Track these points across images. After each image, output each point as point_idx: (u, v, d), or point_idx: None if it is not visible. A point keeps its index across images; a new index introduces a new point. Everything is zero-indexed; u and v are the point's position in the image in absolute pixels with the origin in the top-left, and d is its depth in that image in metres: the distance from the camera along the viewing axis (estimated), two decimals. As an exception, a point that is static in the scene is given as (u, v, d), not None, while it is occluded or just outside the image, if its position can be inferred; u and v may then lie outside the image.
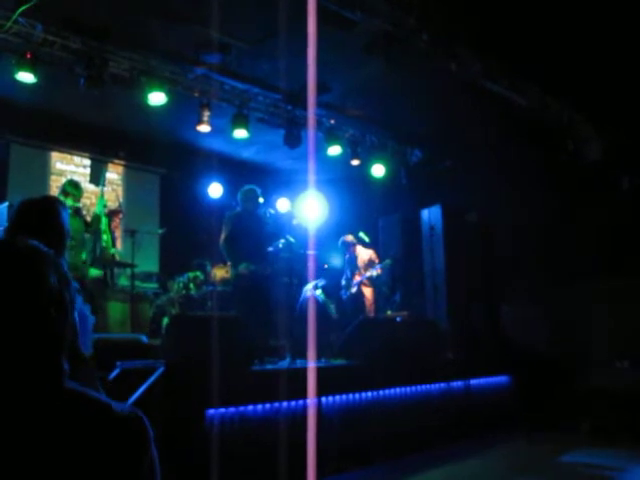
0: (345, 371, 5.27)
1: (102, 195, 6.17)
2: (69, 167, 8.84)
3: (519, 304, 7.98)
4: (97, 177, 8.34)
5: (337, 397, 4.85)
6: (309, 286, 6.47)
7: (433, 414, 5.80)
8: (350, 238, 8.16)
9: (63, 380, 0.93)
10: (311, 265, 6.43)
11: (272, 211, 6.20)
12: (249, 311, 5.32)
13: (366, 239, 8.21)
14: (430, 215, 7.58)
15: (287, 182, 9.94)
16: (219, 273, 7.44)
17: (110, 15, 5.90)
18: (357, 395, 5.05)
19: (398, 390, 5.48)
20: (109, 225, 6.79)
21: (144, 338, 5.33)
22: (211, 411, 3.92)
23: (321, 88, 7.22)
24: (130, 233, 7.02)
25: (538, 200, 7.81)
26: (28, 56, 6.02)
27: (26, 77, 6.12)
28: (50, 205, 2.35)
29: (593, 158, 7.77)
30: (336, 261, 8.54)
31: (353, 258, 8.14)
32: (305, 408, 4.47)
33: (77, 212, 5.58)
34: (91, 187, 8.62)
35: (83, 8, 5.78)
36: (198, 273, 7.70)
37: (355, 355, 5.45)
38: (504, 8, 5.43)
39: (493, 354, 7.03)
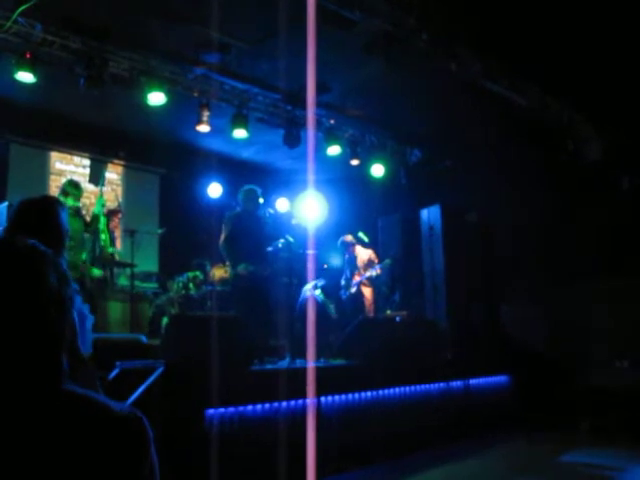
0: (345, 371, 5.27)
1: (101, 195, 6.17)
2: (69, 167, 8.83)
3: (519, 304, 7.98)
4: (97, 177, 8.34)
5: (337, 397, 4.85)
6: (308, 286, 6.46)
7: (433, 414, 5.80)
8: (349, 238, 8.16)
9: (62, 380, 0.93)
10: (310, 265, 6.42)
11: (271, 211, 6.20)
12: (249, 311, 5.32)
13: (365, 239, 8.21)
14: (429, 215, 7.58)
15: (286, 182, 9.95)
16: (218, 273, 7.44)
17: (110, 15, 5.90)
18: (357, 395, 5.05)
19: (398, 390, 5.48)
20: (108, 225, 6.79)
21: (143, 338, 5.33)
22: (211, 411, 3.92)
23: (321, 88, 7.21)
24: (130, 233, 7.02)
25: (538, 200, 7.81)
26: (28, 56, 6.02)
27: (26, 77, 6.12)
28: (49, 205, 2.35)
29: (593, 158, 7.77)
30: (335, 261, 8.54)
31: (352, 258, 8.14)
32: (305, 408, 4.47)
33: (77, 212, 5.58)
34: (91, 187, 8.62)
35: (83, 8, 5.77)
36: (198, 273, 7.70)
37: (354, 355, 5.45)
38: (504, 8, 5.43)
39: (493, 354, 7.02)
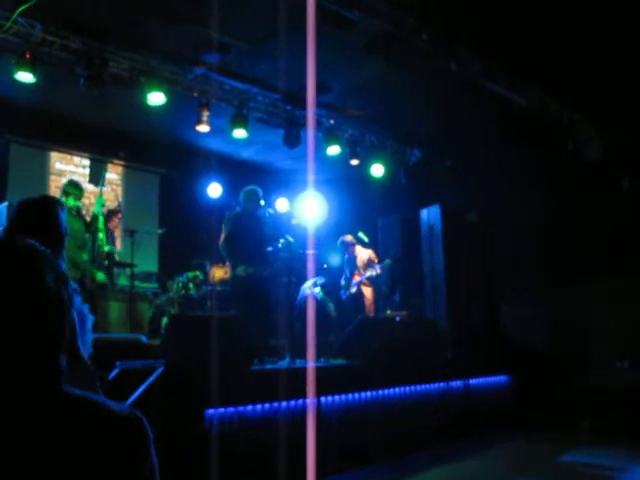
0: (344, 371, 5.27)
1: (101, 194, 6.18)
2: (68, 167, 8.83)
3: (519, 304, 7.98)
4: (97, 177, 8.33)
5: (337, 397, 4.85)
6: (308, 283, 6.45)
7: (433, 414, 5.80)
8: (349, 238, 8.16)
9: (61, 381, 0.93)
10: (310, 265, 6.42)
11: (271, 211, 6.20)
12: (249, 311, 5.31)
13: (365, 239, 8.21)
14: (429, 215, 7.58)
15: (286, 182, 9.94)
16: (218, 274, 7.44)
17: (110, 15, 5.90)
18: (357, 395, 5.05)
19: (397, 390, 5.47)
20: (107, 224, 6.79)
21: (143, 338, 5.33)
22: (210, 411, 3.92)
23: (321, 88, 7.21)
24: (129, 233, 7.02)
25: (538, 200, 7.81)
26: (27, 56, 6.02)
27: (25, 77, 6.12)
28: (49, 205, 2.35)
29: (593, 158, 7.77)
30: (335, 261, 8.54)
31: (352, 258, 8.14)
32: (305, 408, 4.47)
33: (78, 212, 5.59)
34: (90, 187, 8.61)
35: (83, 8, 5.77)
36: (197, 273, 7.70)
37: (354, 355, 5.45)
38: (504, 8, 5.43)
39: (493, 354, 7.02)
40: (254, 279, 5.71)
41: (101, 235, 6.21)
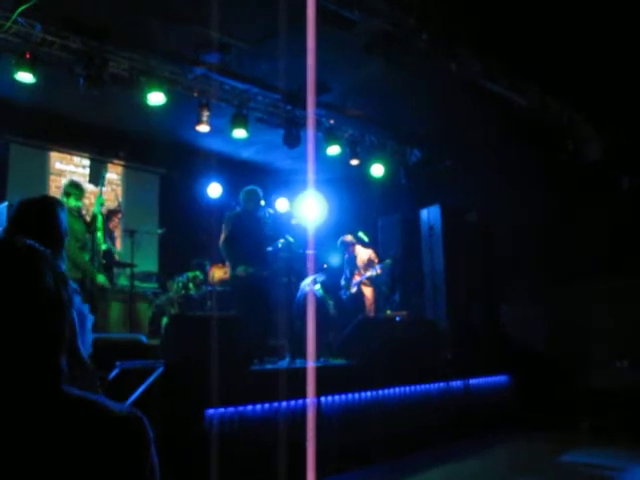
0: (344, 371, 5.27)
1: (100, 194, 6.18)
2: (68, 167, 8.83)
3: (519, 304, 7.98)
4: (97, 177, 8.33)
5: (336, 397, 4.85)
6: (307, 280, 6.43)
7: (432, 414, 5.80)
8: (349, 238, 8.16)
9: (61, 381, 0.93)
10: (310, 265, 6.42)
11: (271, 211, 6.20)
12: (248, 311, 5.31)
13: (365, 239, 8.20)
14: (429, 215, 7.58)
15: (286, 182, 9.95)
16: (217, 274, 7.43)
17: (110, 15, 5.89)
18: (356, 395, 5.04)
19: (397, 390, 5.47)
20: (107, 224, 6.79)
21: (143, 338, 5.32)
22: (210, 411, 3.92)
23: (321, 88, 7.21)
24: (129, 233, 7.01)
25: (538, 200, 7.81)
26: (27, 56, 6.02)
27: (25, 77, 6.11)
28: (49, 205, 2.35)
29: (593, 158, 7.77)
30: (335, 261, 8.54)
31: (352, 258, 8.14)
32: (304, 408, 4.47)
33: (79, 213, 5.59)
34: (91, 187, 8.61)
35: (83, 8, 5.77)
36: (197, 273, 7.70)
37: (354, 355, 5.45)
38: (504, 8, 5.43)
39: (493, 354, 7.02)
40: (254, 279, 5.71)
41: (99, 234, 6.21)
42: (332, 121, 8.48)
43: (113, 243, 7.24)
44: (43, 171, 8.58)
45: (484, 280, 7.74)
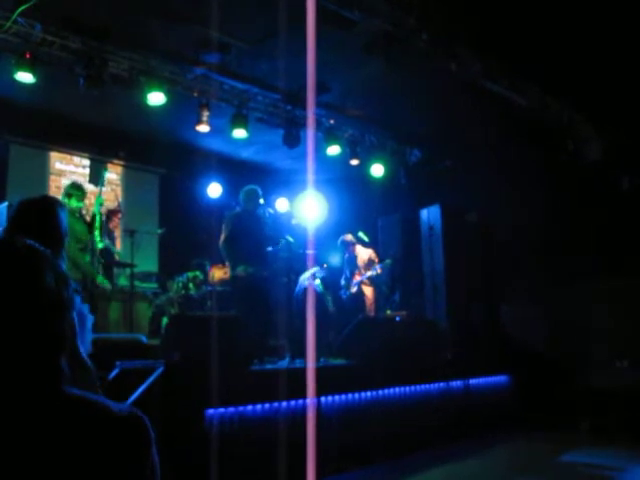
0: (344, 371, 5.27)
1: (100, 194, 6.18)
2: (68, 167, 8.83)
3: (519, 304, 7.98)
4: (97, 177, 8.33)
5: (336, 397, 4.85)
6: (307, 274, 6.40)
7: (432, 414, 5.80)
8: (349, 237, 8.16)
9: (62, 381, 0.93)
10: (310, 265, 6.41)
11: (271, 211, 6.19)
12: (248, 311, 5.31)
13: (365, 239, 8.20)
14: (429, 215, 7.58)
15: (286, 182, 9.94)
16: (217, 274, 7.43)
17: (110, 15, 5.89)
18: (356, 395, 5.05)
19: (397, 390, 5.47)
20: (107, 224, 6.78)
21: (143, 338, 5.33)
22: (210, 411, 3.92)
23: (321, 88, 7.21)
24: (129, 233, 7.01)
25: (538, 200, 7.81)
26: (27, 56, 6.02)
27: (25, 77, 6.11)
28: (49, 205, 2.35)
29: (593, 158, 7.77)
30: (335, 260, 8.54)
31: (352, 258, 8.14)
32: (305, 408, 4.47)
33: (81, 214, 5.60)
34: (91, 187, 8.61)
35: (83, 8, 5.77)
36: (197, 273, 7.69)
37: (354, 355, 5.45)
38: (504, 8, 5.43)
39: (493, 354, 7.02)
40: (254, 279, 5.71)
41: (96, 232, 6.21)
42: (332, 121, 8.48)
43: (113, 243, 7.24)
44: (43, 171, 8.58)
45: (484, 280, 7.74)
